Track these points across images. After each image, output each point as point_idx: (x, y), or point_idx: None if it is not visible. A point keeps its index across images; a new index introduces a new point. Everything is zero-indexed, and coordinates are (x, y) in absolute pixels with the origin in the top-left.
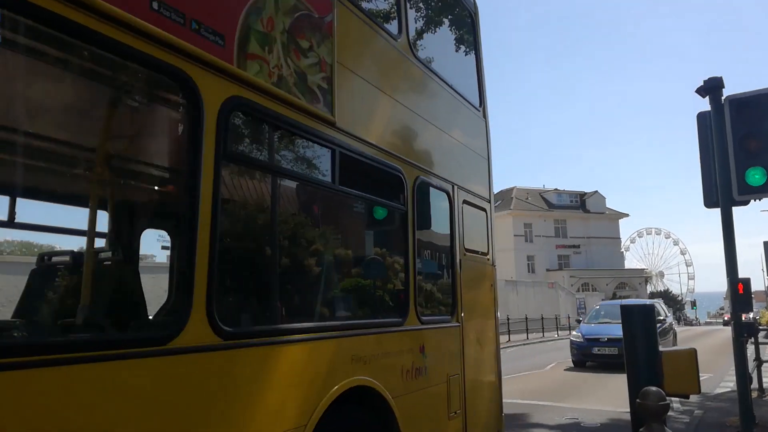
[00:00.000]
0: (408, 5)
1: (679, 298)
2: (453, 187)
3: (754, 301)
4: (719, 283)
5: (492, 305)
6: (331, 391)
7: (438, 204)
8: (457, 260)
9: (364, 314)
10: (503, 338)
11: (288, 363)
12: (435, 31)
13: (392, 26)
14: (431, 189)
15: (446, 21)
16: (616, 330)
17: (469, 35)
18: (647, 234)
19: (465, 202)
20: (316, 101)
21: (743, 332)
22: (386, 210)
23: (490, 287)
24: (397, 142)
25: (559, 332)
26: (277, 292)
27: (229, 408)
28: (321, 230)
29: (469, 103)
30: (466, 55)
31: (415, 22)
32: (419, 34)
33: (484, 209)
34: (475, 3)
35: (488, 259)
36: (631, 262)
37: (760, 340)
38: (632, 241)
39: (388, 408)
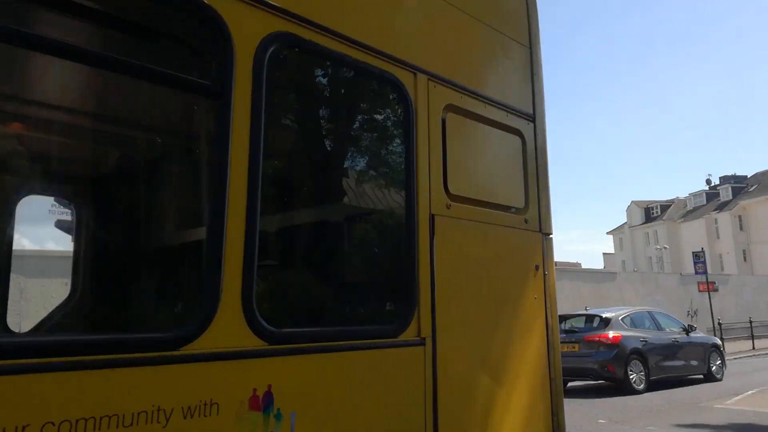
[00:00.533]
0: None
1: None
2: (414, 75)
3: None
4: None
5: (537, 309)
6: None
7: (365, 103)
8: (419, 217)
9: None
10: (745, 345)
11: None
12: None
13: None
14: (316, 64)
15: None
16: None
17: None
18: None
19: (452, 109)
20: None
21: None
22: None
23: (532, 272)
24: None
25: None
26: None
27: None
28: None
29: None
30: None
31: None
32: None
33: (518, 131)
34: None
35: (525, 221)
36: None
37: None
38: None
39: None
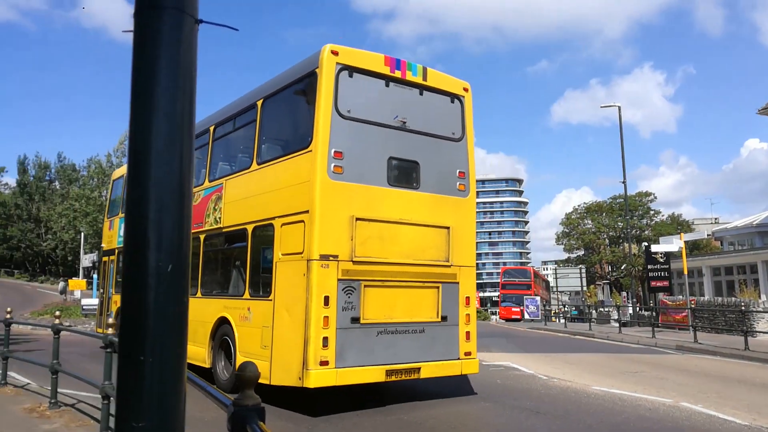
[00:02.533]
0: None
1: None
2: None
3: None
4: None
5: (303, 289)
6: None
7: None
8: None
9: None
10: None
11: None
12: None
13: None
14: None
15: None
16: None
17: None
18: None
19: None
20: None
21: None
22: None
23: (302, 276)
24: None
25: None
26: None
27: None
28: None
29: None
30: None
31: None
32: None
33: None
34: None
35: (301, 256)
36: None
37: None
38: None
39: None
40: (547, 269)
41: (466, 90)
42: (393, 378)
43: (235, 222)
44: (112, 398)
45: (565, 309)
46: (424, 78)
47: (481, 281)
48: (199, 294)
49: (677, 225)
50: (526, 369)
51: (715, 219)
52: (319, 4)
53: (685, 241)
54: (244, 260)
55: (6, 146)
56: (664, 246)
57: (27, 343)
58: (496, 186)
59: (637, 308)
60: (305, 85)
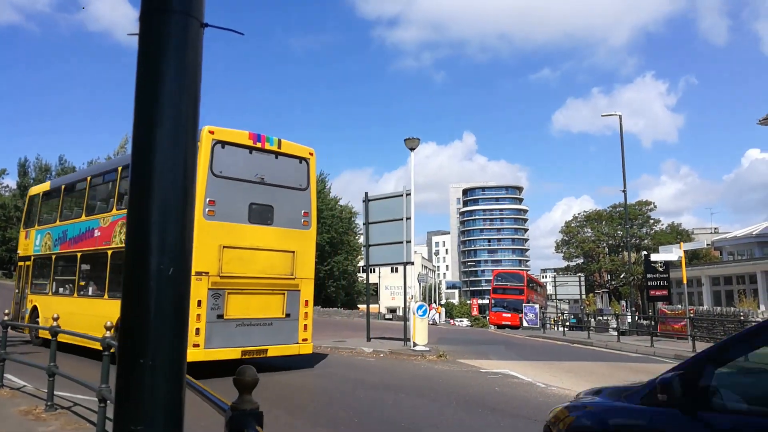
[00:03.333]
0: None
1: None
2: None
3: None
4: None
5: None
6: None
7: None
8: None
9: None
10: None
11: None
12: None
13: None
14: None
15: None
16: None
17: None
18: None
19: None
20: None
21: None
22: None
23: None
24: None
25: None
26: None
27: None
28: None
29: None
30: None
31: None
32: None
33: None
34: None
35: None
36: None
37: None
38: None
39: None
40: (546, 277)
41: (311, 154)
42: (247, 356)
43: None
44: (108, 401)
45: (564, 317)
46: (279, 147)
47: (480, 288)
48: (105, 296)
49: (677, 234)
50: (525, 377)
51: (715, 229)
52: (324, 10)
53: (684, 251)
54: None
55: (7, 148)
56: (663, 255)
57: (24, 345)
58: (496, 194)
59: (636, 317)
60: None
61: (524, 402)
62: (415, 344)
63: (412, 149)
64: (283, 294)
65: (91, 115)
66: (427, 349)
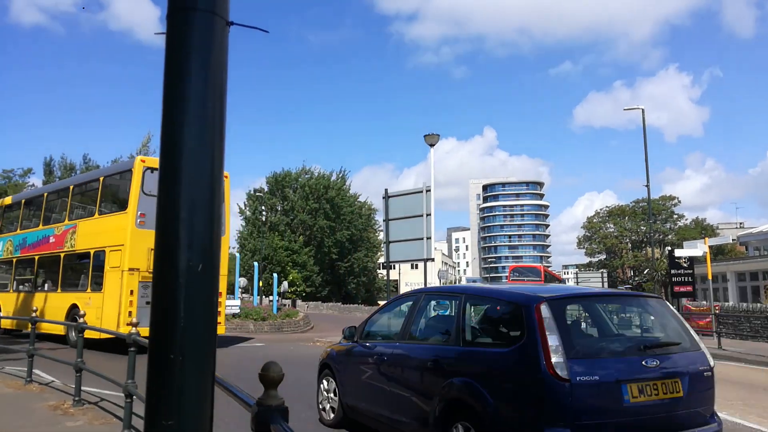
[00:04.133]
0: None
1: None
2: None
3: None
4: None
5: (119, 286)
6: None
7: None
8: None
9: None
10: None
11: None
12: None
13: None
14: None
15: None
16: None
17: None
18: None
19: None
20: None
21: None
22: None
23: (119, 279)
24: None
25: None
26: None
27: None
28: None
29: None
30: None
31: None
32: None
33: None
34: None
35: (119, 268)
36: None
37: None
38: None
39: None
40: (567, 273)
41: (226, 176)
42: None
43: (83, 247)
44: (135, 396)
45: None
46: None
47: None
48: (59, 290)
49: (701, 229)
50: None
51: (741, 224)
52: (343, 5)
53: (709, 246)
54: (88, 269)
55: (32, 148)
56: (688, 251)
57: (50, 341)
58: (517, 189)
59: None
60: (126, 175)
61: None
62: None
63: (431, 145)
64: None
65: (113, 114)
66: None
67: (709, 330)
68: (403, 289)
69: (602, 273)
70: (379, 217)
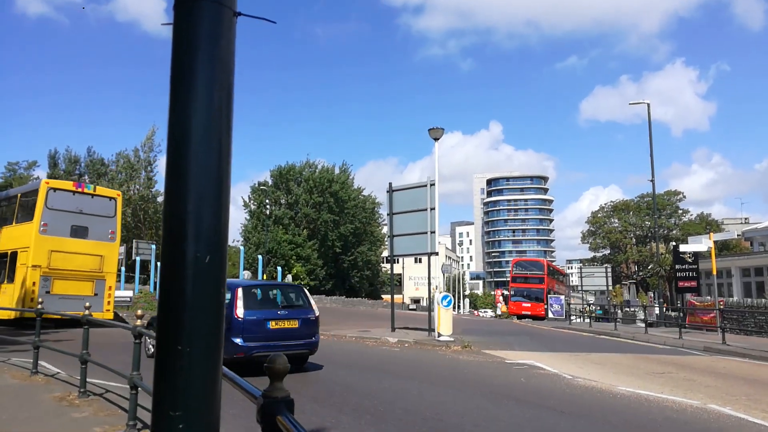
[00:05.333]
0: None
1: None
2: None
3: None
4: None
5: (24, 278)
6: None
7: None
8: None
9: None
10: None
11: None
12: None
13: None
14: None
15: None
16: None
17: None
18: None
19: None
20: None
21: None
22: None
23: (25, 273)
24: None
25: None
26: None
27: None
28: None
29: None
30: None
31: None
32: None
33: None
34: None
35: (26, 265)
36: None
37: None
38: None
39: None
40: (571, 268)
41: (118, 195)
42: (61, 317)
43: (4, 248)
44: (140, 388)
45: (590, 308)
46: (94, 191)
47: (504, 279)
48: None
49: (706, 225)
50: (550, 368)
51: (746, 219)
52: None
53: (714, 241)
54: (5, 266)
55: (37, 141)
56: (692, 246)
57: (56, 333)
58: (521, 183)
59: (664, 308)
60: (35, 193)
61: (550, 393)
62: (439, 335)
63: (436, 139)
64: (93, 281)
65: (119, 107)
66: (452, 339)
67: (714, 325)
68: (407, 283)
69: (606, 268)
70: (383, 211)
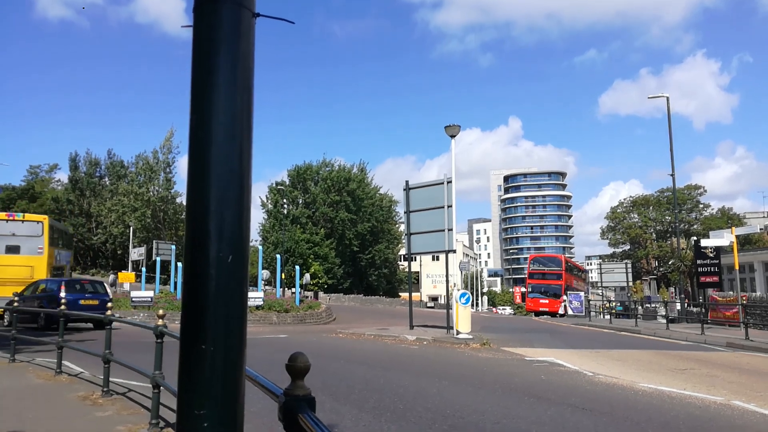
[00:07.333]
0: None
1: None
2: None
3: None
4: None
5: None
6: None
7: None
8: None
9: None
10: None
11: None
12: None
13: None
14: None
15: None
16: None
17: None
18: None
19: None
20: None
21: None
22: None
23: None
24: None
25: None
26: None
27: None
28: None
29: None
30: None
31: None
32: None
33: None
34: None
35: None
36: None
37: None
38: None
39: None
40: (591, 264)
41: (45, 219)
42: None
43: None
44: (162, 387)
45: (611, 305)
46: (23, 218)
47: (523, 276)
48: None
49: (727, 219)
50: (571, 365)
51: None
52: None
53: (736, 236)
54: None
55: (57, 142)
56: (714, 240)
57: (79, 332)
58: (539, 180)
59: (686, 304)
60: None
61: (571, 390)
62: (458, 332)
63: (452, 136)
64: (24, 285)
65: (139, 109)
66: (471, 337)
67: (736, 321)
68: (425, 281)
69: (626, 264)
70: (400, 209)
